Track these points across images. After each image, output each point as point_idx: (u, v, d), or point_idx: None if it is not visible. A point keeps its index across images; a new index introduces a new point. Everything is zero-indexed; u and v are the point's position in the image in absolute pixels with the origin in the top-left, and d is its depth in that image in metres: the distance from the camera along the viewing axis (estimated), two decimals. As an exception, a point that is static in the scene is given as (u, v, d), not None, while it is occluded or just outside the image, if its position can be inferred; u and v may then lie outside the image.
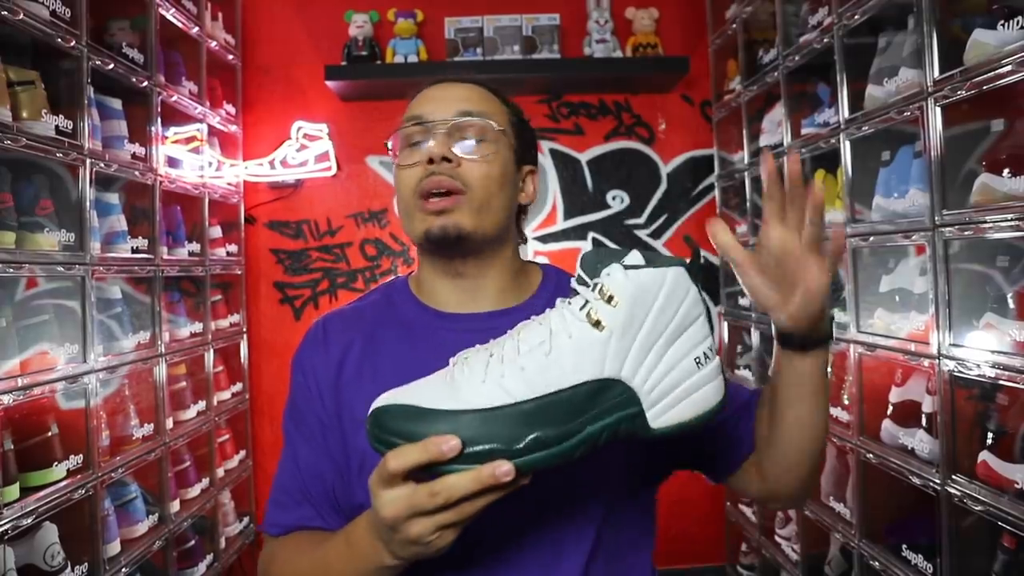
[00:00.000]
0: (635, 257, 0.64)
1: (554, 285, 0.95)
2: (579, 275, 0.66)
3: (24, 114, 1.55)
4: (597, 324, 0.62)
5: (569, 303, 0.66)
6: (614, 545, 0.86)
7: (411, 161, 0.87)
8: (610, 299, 0.62)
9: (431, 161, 0.84)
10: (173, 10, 2.23)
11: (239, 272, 2.77)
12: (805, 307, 0.73)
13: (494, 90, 0.94)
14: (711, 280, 2.81)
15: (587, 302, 0.64)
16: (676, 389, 0.64)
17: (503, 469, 0.58)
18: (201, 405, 2.36)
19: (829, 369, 0.81)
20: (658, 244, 2.92)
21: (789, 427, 0.82)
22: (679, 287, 0.64)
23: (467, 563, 0.80)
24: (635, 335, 0.63)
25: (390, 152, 0.92)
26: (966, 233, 1.41)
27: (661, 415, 0.64)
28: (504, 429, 0.59)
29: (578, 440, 0.61)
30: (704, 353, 0.65)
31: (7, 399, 1.46)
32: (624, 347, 0.62)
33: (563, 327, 0.63)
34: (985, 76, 1.33)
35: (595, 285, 0.64)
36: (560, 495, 0.82)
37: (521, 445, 0.59)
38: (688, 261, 0.66)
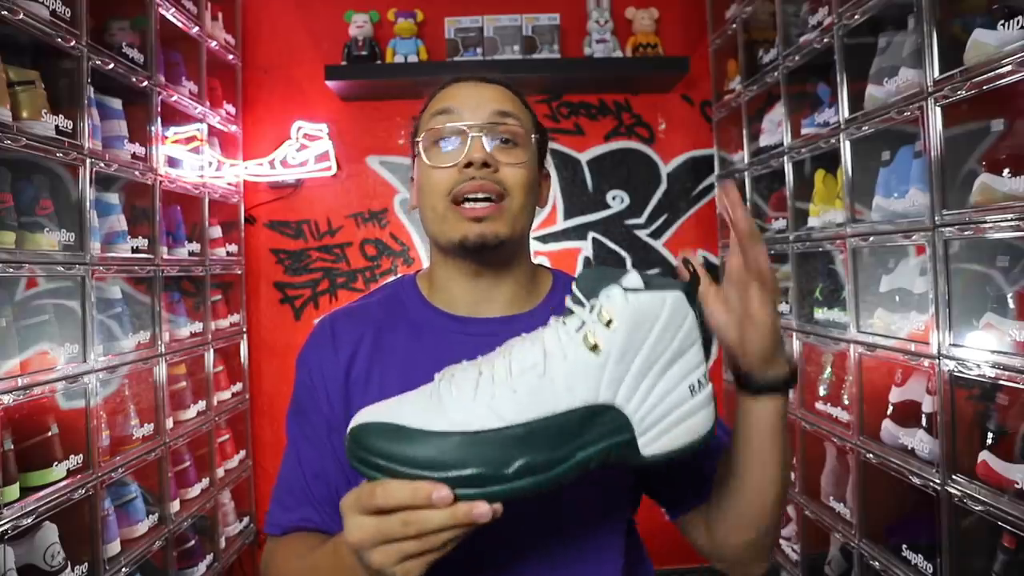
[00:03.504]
0: (634, 279, 0.62)
1: (561, 295, 0.92)
2: (575, 295, 0.64)
3: (24, 114, 1.55)
4: (594, 348, 0.60)
5: (564, 323, 0.63)
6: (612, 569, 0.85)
7: (447, 163, 0.83)
8: (609, 323, 0.60)
9: (468, 164, 0.82)
10: (173, 10, 2.23)
11: (239, 272, 2.77)
12: (755, 343, 0.70)
13: (517, 91, 0.91)
14: (711, 280, 2.80)
15: (583, 323, 0.62)
16: (669, 416, 0.62)
17: (480, 511, 0.55)
18: (201, 405, 2.36)
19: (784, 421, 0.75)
20: (658, 244, 2.92)
21: (738, 482, 0.78)
22: (678, 312, 0.62)
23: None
24: (632, 360, 0.61)
25: (418, 148, 0.87)
26: (966, 233, 1.41)
27: (653, 442, 0.62)
28: (492, 453, 0.57)
29: (568, 466, 0.59)
30: (698, 380, 0.64)
31: (7, 399, 1.46)
32: (620, 373, 0.60)
33: (558, 348, 0.61)
34: (985, 76, 1.33)
35: (592, 306, 0.62)
36: (556, 518, 0.81)
37: (509, 471, 0.57)
38: (687, 284, 0.64)
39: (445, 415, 0.58)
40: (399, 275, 1.01)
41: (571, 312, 0.64)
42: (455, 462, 0.56)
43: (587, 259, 2.93)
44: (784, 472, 0.77)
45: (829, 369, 2.06)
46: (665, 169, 2.95)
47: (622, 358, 0.60)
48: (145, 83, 2.06)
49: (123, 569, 1.79)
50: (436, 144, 0.86)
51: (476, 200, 0.82)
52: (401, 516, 0.57)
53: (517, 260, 0.90)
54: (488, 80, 0.90)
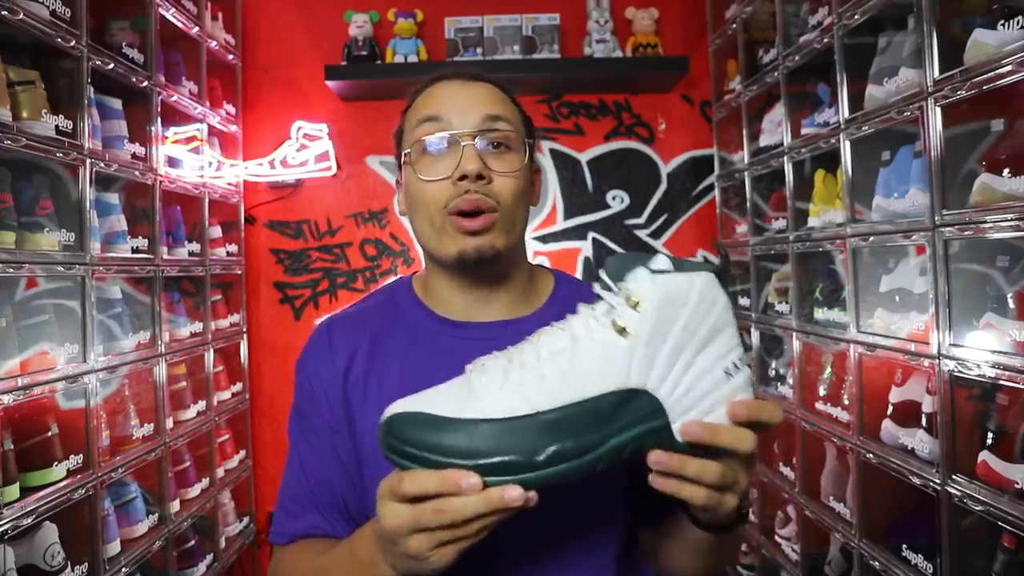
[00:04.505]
0: (662, 262, 0.61)
1: (565, 295, 0.92)
2: (603, 280, 0.63)
3: (24, 114, 1.55)
4: (622, 331, 0.59)
5: (593, 308, 0.62)
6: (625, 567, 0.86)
7: (439, 176, 0.81)
8: (636, 305, 0.59)
9: (463, 177, 0.79)
10: (173, 10, 2.23)
11: (239, 272, 2.77)
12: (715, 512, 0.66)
13: (504, 87, 0.89)
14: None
15: (612, 307, 0.61)
16: (704, 401, 0.60)
17: (512, 494, 0.55)
18: (201, 405, 2.36)
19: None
20: (658, 244, 2.92)
21: (671, 558, 0.84)
22: (708, 294, 0.60)
23: None
24: (662, 343, 0.59)
25: (405, 157, 0.86)
26: (966, 233, 1.41)
27: None
28: (523, 440, 0.56)
29: (600, 453, 0.58)
30: (734, 363, 0.62)
31: (7, 399, 1.46)
32: (650, 355, 0.59)
33: (586, 333, 0.60)
34: (985, 76, 1.32)
35: (620, 290, 0.61)
36: (576, 518, 0.82)
37: (541, 458, 0.56)
38: (717, 267, 0.62)
39: (476, 404, 0.58)
40: (398, 276, 1.00)
41: (599, 298, 0.63)
42: (486, 450, 0.56)
43: (587, 259, 2.93)
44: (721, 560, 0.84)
45: (829, 369, 2.06)
46: (665, 169, 2.95)
47: (651, 340, 0.59)
48: (145, 83, 2.06)
49: (123, 569, 1.79)
50: (425, 154, 0.83)
51: (471, 214, 0.80)
52: (434, 504, 0.57)
53: (514, 267, 0.89)
54: (473, 77, 0.87)
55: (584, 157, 2.94)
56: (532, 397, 0.58)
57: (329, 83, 2.67)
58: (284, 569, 0.86)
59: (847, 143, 1.82)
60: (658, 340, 0.59)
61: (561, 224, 2.94)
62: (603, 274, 0.63)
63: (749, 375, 0.64)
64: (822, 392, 2.06)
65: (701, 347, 0.61)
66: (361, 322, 0.91)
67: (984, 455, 1.38)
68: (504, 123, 0.83)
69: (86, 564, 1.65)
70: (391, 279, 1.02)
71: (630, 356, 0.59)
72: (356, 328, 0.90)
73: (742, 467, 0.63)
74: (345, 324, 0.91)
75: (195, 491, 2.27)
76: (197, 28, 2.41)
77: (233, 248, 2.72)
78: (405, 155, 0.86)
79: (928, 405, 1.57)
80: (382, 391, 0.84)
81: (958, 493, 1.43)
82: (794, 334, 2.17)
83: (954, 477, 1.45)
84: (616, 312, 0.60)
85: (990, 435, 1.38)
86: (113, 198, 1.95)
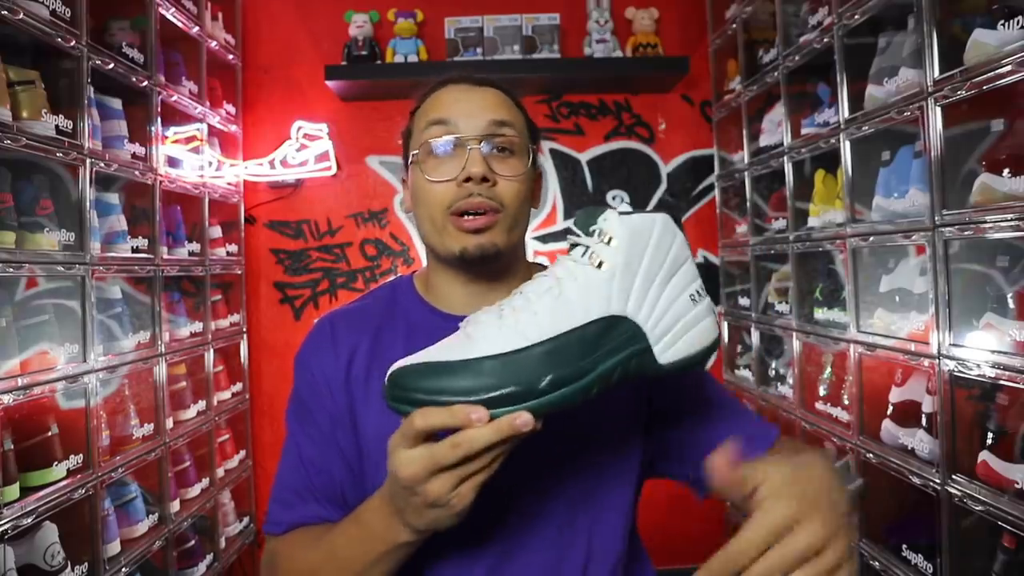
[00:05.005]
0: (624, 207, 0.67)
1: None
2: (574, 231, 0.69)
3: (24, 114, 1.55)
4: (600, 265, 0.65)
5: (570, 253, 0.69)
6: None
7: (444, 176, 0.84)
8: (609, 240, 0.66)
9: (468, 179, 0.82)
10: (173, 10, 2.23)
11: (239, 272, 2.77)
12: None
13: (508, 91, 0.92)
14: (711, 280, 2.81)
15: (587, 248, 0.67)
16: (677, 324, 0.67)
17: (522, 419, 0.59)
18: (201, 405, 2.36)
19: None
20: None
21: None
22: (667, 231, 0.68)
23: (477, 545, 0.82)
24: (635, 272, 0.66)
25: (412, 157, 0.88)
26: (966, 233, 1.41)
27: (667, 350, 0.67)
28: (522, 372, 0.61)
29: (593, 378, 0.63)
30: (697, 291, 0.69)
31: (7, 399, 1.46)
32: (627, 284, 0.66)
33: (568, 273, 0.66)
34: (985, 76, 1.33)
35: (593, 231, 0.67)
36: (571, 457, 0.85)
37: (541, 385, 0.61)
38: (672, 214, 0.70)
39: (475, 347, 0.62)
40: (399, 275, 1.01)
41: (575, 246, 0.69)
42: (489, 385, 0.60)
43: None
44: None
45: (829, 369, 2.06)
46: (665, 169, 2.95)
47: (627, 269, 0.66)
48: (145, 83, 2.06)
49: (123, 569, 1.79)
50: (432, 155, 0.86)
51: (475, 213, 0.83)
52: (449, 440, 0.59)
53: (514, 264, 0.92)
54: (480, 82, 0.90)
55: (584, 157, 2.94)
56: (527, 331, 0.63)
57: (329, 83, 2.67)
58: (282, 557, 0.85)
59: (847, 143, 1.82)
60: (632, 269, 0.66)
61: (561, 224, 2.93)
62: (574, 226, 0.70)
63: (710, 302, 0.72)
64: (822, 392, 2.07)
65: (668, 276, 0.68)
66: (363, 319, 0.92)
67: (984, 455, 1.38)
68: (509, 128, 0.86)
69: (86, 564, 1.65)
70: (391, 278, 1.03)
71: (609, 285, 0.65)
72: (358, 324, 0.92)
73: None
74: (347, 320, 0.93)
75: (195, 491, 2.27)
76: (197, 28, 2.41)
77: (233, 248, 2.72)
78: (412, 155, 0.88)
79: (928, 405, 1.57)
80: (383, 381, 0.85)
81: (958, 493, 1.43)
82: (794, 334, 2.17)
83: (954, 477, 1.45)
84: (593, 250, 0.67)
85: (990, 435, 1.39)
86: (113, 198, 1.95)
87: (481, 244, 0.83)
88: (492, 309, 0.67)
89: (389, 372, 0.64)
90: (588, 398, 0.63)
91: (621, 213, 0.67)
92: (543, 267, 1.00)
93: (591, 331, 0.64)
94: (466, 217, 0.83)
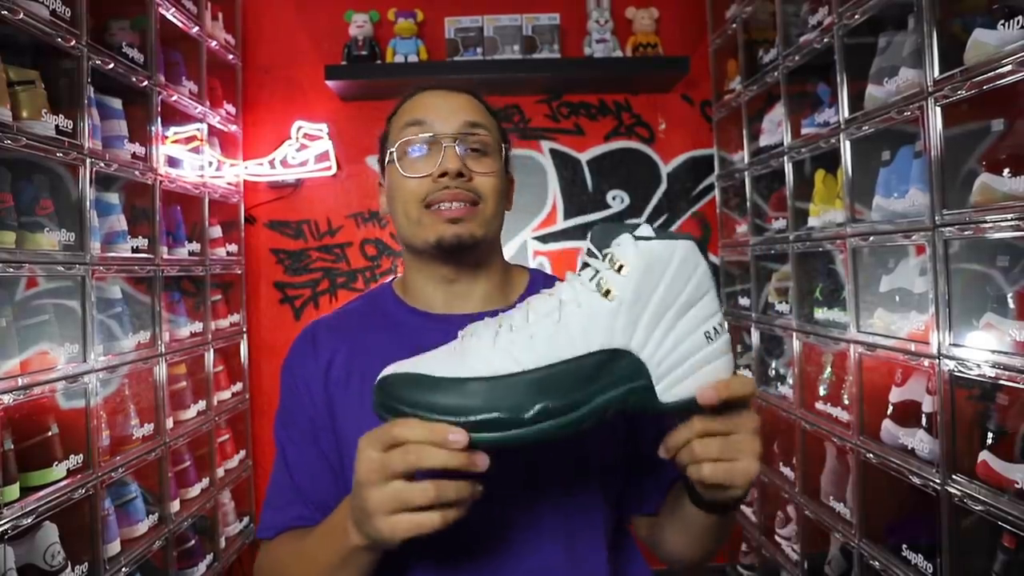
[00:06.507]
0: (645, 230, 0.64)
1: (539, 290, 0.95)
2: (589, 248, 0.66)
3: (24, 114, 1.55)
4: (607, 294, 0.61)
5: (579, 275, 0.65)
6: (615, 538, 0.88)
7: (421, 172, 0.87)
8: (620, 268, 0.62)
9: (443, 174, 0.85)
10: (173, 10, 2.23)
11: (239, 272, 2.77)
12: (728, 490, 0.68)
13: (483, 100, 0.95)
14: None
15: (597, 272, 0.63)
16: (686, 363, 0.63)
17: (453, 436, 0.57)
18: (201, 405, 2.36)
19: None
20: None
21: (671, 541, 0.85)
22: (689, 260, 0.63)
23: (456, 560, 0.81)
24: (645, 306, 0.62)
25: (388, 156, 0.91)
26: (966, 233, 1.41)
27: (670, 388, 0.63)
28: (511, 397, 0.58)
29: (586, 411, 0.60)
30: (714, 327, 0.64)
31: (7, 399, 1.46)
32: (634, 317, 0.61)
33: (573, 297, 0.63)
34: (985, 76, 1.33)
35: (605, 255, 0.63)
36: (535, 488, 0.83)
37: (528, 415, 0.58)
38: (698, 238, 0.65)
39: (466, 363, 0.60)
40: (380, 283, 1.03)
41: (586, 265, 0.65)
42: (475, 407, 0.58)
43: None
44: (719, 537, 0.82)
45: (829, 369, 2.06)
46: (665, 169, 2.95)
47: (635, 303, 0.61)
48: (145, 83, 2.06)
49: (123, 569, 1.79)
50: (408, 154, 0.89)
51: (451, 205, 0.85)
52: (403, 447, 0.59)
53: (490, 260, 0.93)
54: (454, 89, 0.93)
55: (584, 157, 2.94)
56: (520, 356, 0.60)
57: (329, 83, 2.67)
58: (270, 560, 0.88)
59: (847, 143, 1.82)
60: (641, 303, 0.62)
61: (561, 224, 2.94)
62: (589, 242, 0.66)
63: (728, 339, 0.66)
64: (822, 392, 2.07)
65: (683, 311, 0.63)
66: (343, 324, 0.95)
67: (984, 455, 1.38)
68: (483, 129, 0.89)
69: (86, 564, 1.65)
70: (377, 284, 1.05)
71: (614, 317, 0.61)
72: (338, 328, 0.94)
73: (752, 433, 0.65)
74: (328, 327, 0.96)
75: (195, 491, 2.27)
76: (197, 28, 2.41)
77: (233, 248, 2.72)
78: (389, 154, 0.92)
79: (928, 405, 1.57)
80: (365, 381, 0.86)
81: (958, 493, 1.43)
82: (794, 334, 2.17)
83: (954, 477, 1.45)
84: (601, 276, 0.62)
85: (990, 435, 1.39)
86: (113, 198, 1.95)
87: (458, 233, 0.85)
88: (491, 323, 0.65)
89: (381, 375, 0.63)
90: (580, 431, 0.60)
91: (638, 238, 0.62)
92: (520, 266, 1.02)
93: (589, 363, 0.60)
94: (442, 207, 0.85)
